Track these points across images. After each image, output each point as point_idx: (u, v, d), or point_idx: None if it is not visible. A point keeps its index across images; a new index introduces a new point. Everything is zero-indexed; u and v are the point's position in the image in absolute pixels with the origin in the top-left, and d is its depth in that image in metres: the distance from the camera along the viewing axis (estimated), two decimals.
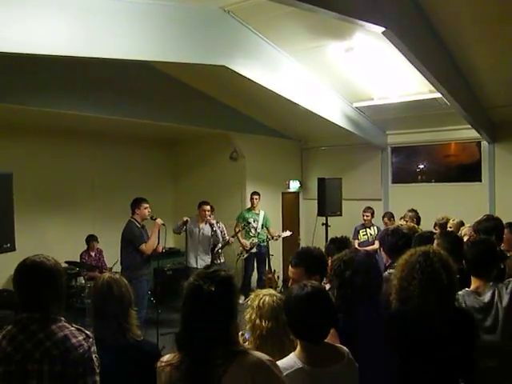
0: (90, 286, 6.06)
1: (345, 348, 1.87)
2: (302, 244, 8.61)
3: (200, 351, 1.52)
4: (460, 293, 2.45)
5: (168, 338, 4.78)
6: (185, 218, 6.25)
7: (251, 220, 7.49)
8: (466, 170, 8.14)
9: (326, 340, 1.83)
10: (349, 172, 8.41)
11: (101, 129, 7.12)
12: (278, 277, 8.00)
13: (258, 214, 7.57)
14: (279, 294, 2.13)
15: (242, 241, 7.39)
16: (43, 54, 3.22)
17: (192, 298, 1.57)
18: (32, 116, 5.73)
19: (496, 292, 2.49)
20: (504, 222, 3.73)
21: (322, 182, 6.98)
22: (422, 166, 8.79)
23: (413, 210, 6.14)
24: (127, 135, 7.83)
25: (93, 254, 6.81)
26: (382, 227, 6.67)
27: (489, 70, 5.32)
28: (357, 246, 6.97)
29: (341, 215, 7.03)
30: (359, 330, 2.01)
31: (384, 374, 2.00)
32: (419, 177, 8.71)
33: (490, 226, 3.50)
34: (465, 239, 3.65)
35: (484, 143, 7.58)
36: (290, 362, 1.76)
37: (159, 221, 5.40)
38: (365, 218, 7.33)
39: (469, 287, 2.57)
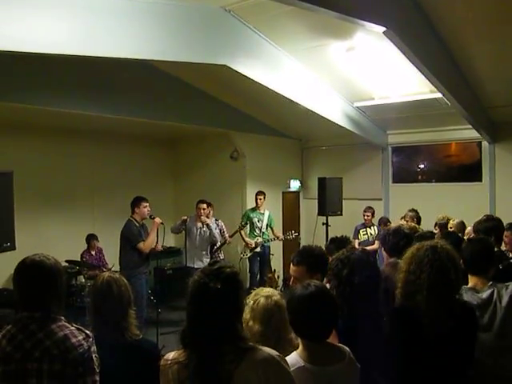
0: (91, 284, 6.09)
1: (346, 348, 1.87)
2: (303, 244, 8.61)
3: (208, 348, 1.52)
4: None
5: (168, 337, 4.81)
6: (184, 217, 6.25)
7: (256, 220, 7.44)
8: (467, 170, 8.14)
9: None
10: (349, 171, 8.41)
11: (101, 127, 7.12)
12: (278, 276, 8.00)
13: (262, 214, 7.51)
14: (278, 295, 2.12)
15: (246, 239, 7.32)
16: (43, 53, 3.21)
17: (198, 296, 1.56)
18: (32, 114, 5.73)
19: (495, 291, 2.49)
20: (504, 223, 3.74)
21: (322, 181, 6.98)
22: (422, 166, 8.79)
23: (413, 210, 6.14)
24: (128, 134, 7.83)
25: (93, 252, 6.82)
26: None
27: (489, 69, 5.32)
28: (357, 245, 6.97)
29: (341, 215, 7.03)
30: (358, 329, 2.01)
31: (384, 372, 2.01)
32: (420, 177, 8.71)
33: (490, 227, 3.50)
34: None
35: (484, 143, 7.58)
36: (292, 360, 1.77)
37: (158, 220, 5.42)
38: (365, 217, 7.33)
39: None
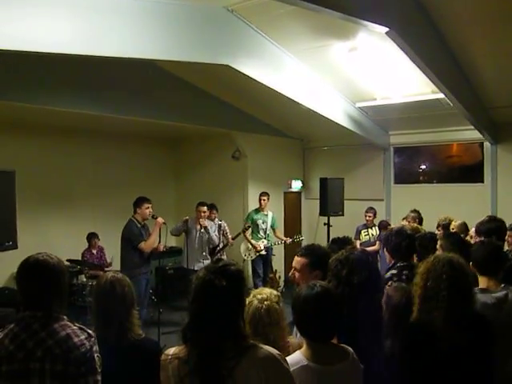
0: (92, 284, 6.09)
1: (349, 348, 1.88)
2: (304, 244, 8.59)
3: (209, 345, 1.52)
4: None
5: (169, 337, 4.80)
6: (185, 218, 6.23)
7: (260, 222, 7.27)
8: (469, 171, 8.12)
9: None
10: (351, 172, 8.40)
11: (103, 127, 7.13)
12: (280, 277, 7.98)
13: (266, 215, 7.33)
14: (275, 299, 2.10)
15: (253, 242, 7.17)
16: (45, 52, 3.21)
17: (203, 293, 1.56)
18: (35, 114, 5.74)
19: (509, 292, 2.53)
20: (507, 224, 3.73)
21: (324, 181, 6.98)
22: (424, 167, 8.78)
23: (415, 211, 6.12)
24: (130, 133, 7.84)
25: (94, 251, 6.83)
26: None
27: (491, 70, 5.31)
28: (358, 246, 6.95)
29: (343, 215, 7.03)
30: (359, 329, 2.01)
31: (385, 371, 2.02)
32: (421, 177, 8.70)
33: (493, 228, 3.50)
34: (472, 241, 3.67)
35: (487, 144, 7.57)
36: (295, 358, 1.78)
37: (160, 219, 5.40)
38: (367, 218, 7.32)
39: None
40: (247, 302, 2.03)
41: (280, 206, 8.82)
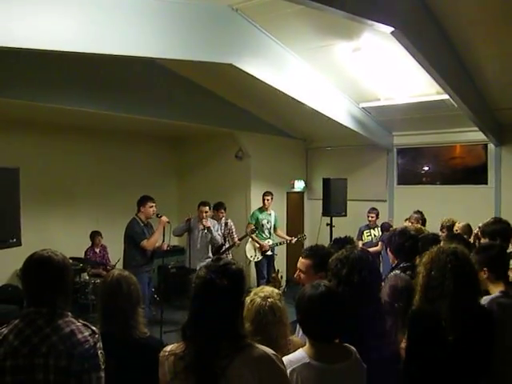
0: (94, 282, 6.11)
1: (352, 347, 1.87)
2: (306, 244, 8.59)
3: (206, 343, 1.52)
4: (489, 297, 2.46)
5: (171, 335, 4.80)
6: (187, 217, 6.22)
7: (265, 221, 7.24)
8: (472, 173, 8.10)
9: None
10: (354, 172, 8.38)
11: (107, 125, 7.14)
12: (282, 276, 7.96)
13: (270, 215, 7.32)
14: (277, 297, 2.10)
15: (261, 242, 7.12)
16: (48, 50, 3.20)
17: (204, 292, 1.56)
18: (39, 112, 5.75)
19: None
20: None
21: (327, 182, 6.98)
22: (427, 168, 8.77)
23: (418, 212, 6.11)
24: (133, 132, 7.85)
25: (97, 250, 6.85)
26: None
27: (496, 71, 5.30)
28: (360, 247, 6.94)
29: (345, 216, 7.02)
30: (359, 329, 2.01)
31: (386, 371, 2.02)
32: (424, 179, 8.69)
33: (498, 229, 3.49)
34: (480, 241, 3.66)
35: (491, 146, 7.55)
36: (298, 356, 1.79)
37: (164, 218, 5.41)
38: (369, 218, 7.31)
39: None
40: (249, 300, 2.03)
41: (283, 206, 8.82)
